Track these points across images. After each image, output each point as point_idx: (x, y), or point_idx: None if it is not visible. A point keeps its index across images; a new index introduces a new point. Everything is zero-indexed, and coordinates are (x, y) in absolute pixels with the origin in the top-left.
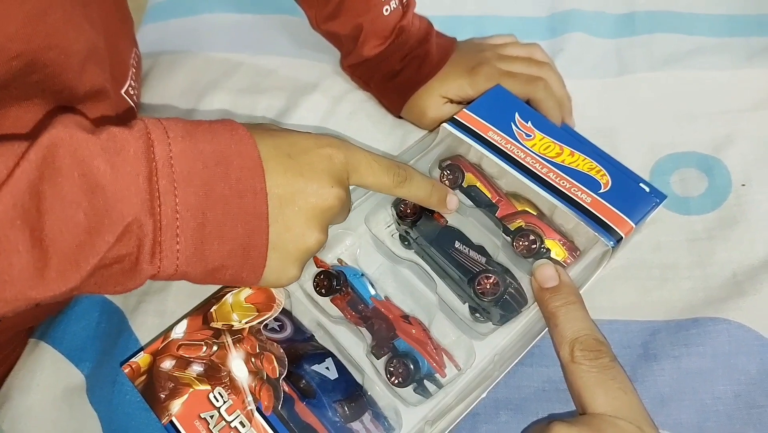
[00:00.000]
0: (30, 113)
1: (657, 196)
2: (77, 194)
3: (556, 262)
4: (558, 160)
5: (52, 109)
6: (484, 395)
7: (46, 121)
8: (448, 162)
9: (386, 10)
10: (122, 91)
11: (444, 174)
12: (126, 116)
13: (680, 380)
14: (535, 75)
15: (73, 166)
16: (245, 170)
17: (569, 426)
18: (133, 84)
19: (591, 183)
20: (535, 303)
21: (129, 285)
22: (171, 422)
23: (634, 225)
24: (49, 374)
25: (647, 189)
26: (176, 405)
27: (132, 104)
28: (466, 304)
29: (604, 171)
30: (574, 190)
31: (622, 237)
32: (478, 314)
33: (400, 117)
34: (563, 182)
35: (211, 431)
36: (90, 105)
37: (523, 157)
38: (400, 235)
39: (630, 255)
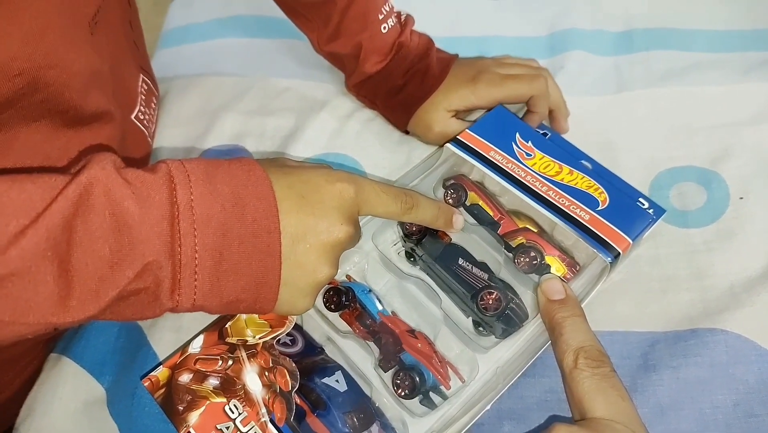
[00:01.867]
0: (39, 134)
1: (656, 212)
2: (106, 231)
3: None
4: (557, 179)
5: (90, 146)
6: (488, 407)
7: (83, 157)
8: (452, 181)
9: (384, 27)
10: (132, 117)
11: (448, 193)
12: (136, 140)
13: (679, 390)
14: (536, 74)
15: (105, 205)
16: (261, 211)
17: (570, 426)
18: (143, 110)
19: (589, 201)
20: (537, 318)
21: (147, 315)
22: (189, 432)
23: (631, 241)
24: (71, 388)
25: (646, 204)
26: (194, 417)
27: (142, 129)
28: (470, 318)
29: (602, 189)
30: (573, 207)
31: (619, 253)
32: (481, 328)
33: (407, 132)
34: (562, 200)
35: None
36: (96, 126)
37: (523, 176)
38: (406, 251)
39: (629, 268)
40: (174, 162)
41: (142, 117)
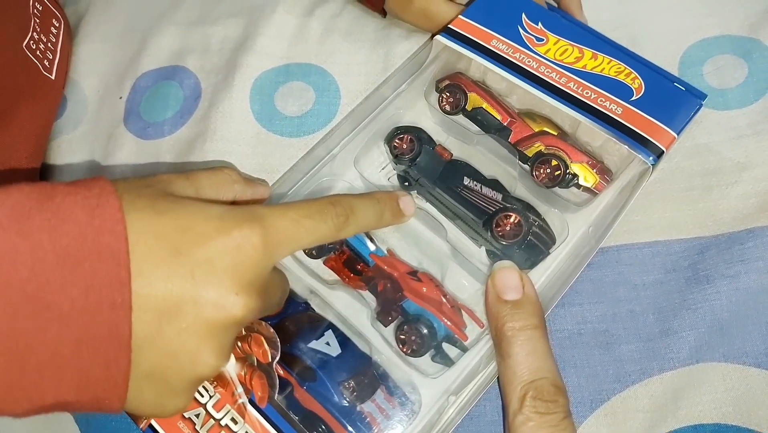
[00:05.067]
0: None
1: (696, 95)
2: None
3: (585, 189)
4: (578, 66)
5: None
6: None
7: None
8: (447, 82)
9: None
10: (23, 45)
11: (443, 97)
12: (25, 75)
13: (740, 302)
14: None
15: None
16: (101, 274)
17: None
18: (36, 37)
19: (621, 90)
20: (568, 241)
21: None
22: (150, 425)
23: (676, 135)
24: None
25: (682, 88)
26: None
27: (35, 61)
28: (483, 248)
29: (635, 74)
30: (601, 100)
31: (663, 151)
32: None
33: (384, 14)
34: (587, 92)
35: (197, 432)
36: None
37: (535, 66)
38: (398, 175)
39: (664, 164)
40: None
41: (34, 46)
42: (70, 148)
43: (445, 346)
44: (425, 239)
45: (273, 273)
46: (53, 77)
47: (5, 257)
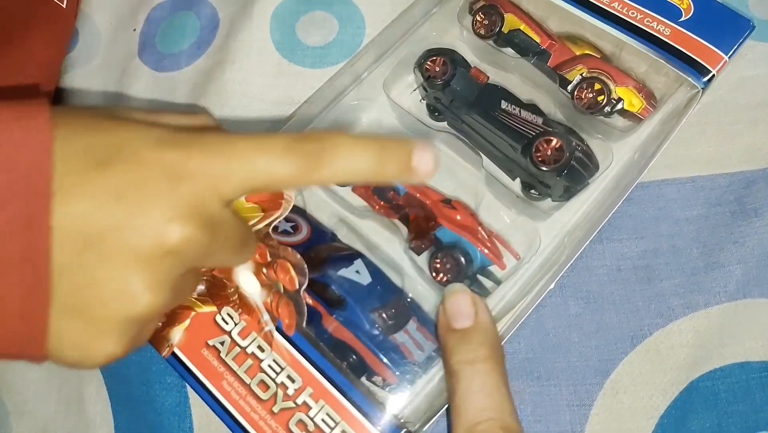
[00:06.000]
0: None
1: (746, 19)
2: None
3: (630, 115)
4: None
5: None
6: (552, 286)
7: None
8: (482, 3)
9: None
10: None
11: (477, 20)
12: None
13: None
14: None
15: None
16: (16, 188)
17: None
18: None
19: (669, 10)
20: (610, 168)
21: None
22: (173, 353)
23: (726, 58)
24: None
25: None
26: (177, 333)
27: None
28: (517, 179)
29: None
30: (648, 20)
31: (713, 74)
32: (533, 191)
33: None
34: (633, 12)
35: (223, 360)
36: None
37: None
38: (427, 105)
39: (707, 98)
40: None
41: None
42: (84, 82)
43: (481, 279)
44: (459, 167)
45: (227, 211)
46: (64, 6)
47: None
